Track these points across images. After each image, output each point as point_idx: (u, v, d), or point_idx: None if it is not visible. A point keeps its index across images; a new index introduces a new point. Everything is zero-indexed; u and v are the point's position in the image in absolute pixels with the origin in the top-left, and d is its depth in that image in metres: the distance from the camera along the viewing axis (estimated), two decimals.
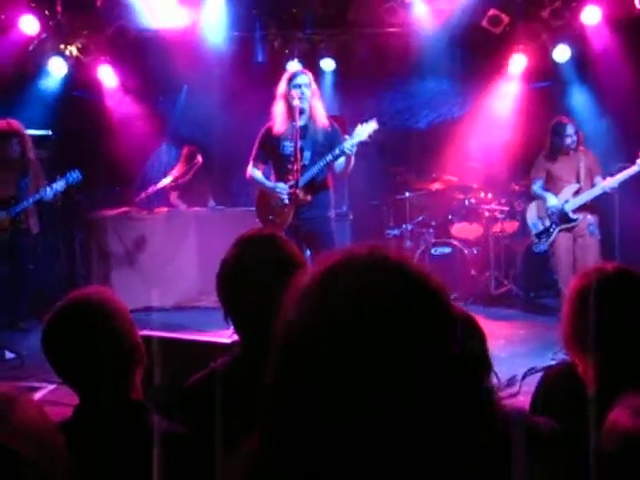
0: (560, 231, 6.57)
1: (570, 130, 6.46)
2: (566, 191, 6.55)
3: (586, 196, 6.47)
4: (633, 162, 6.37)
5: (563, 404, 2.03)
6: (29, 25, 7.58)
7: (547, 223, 6.67)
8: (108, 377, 1.86)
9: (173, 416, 1.98)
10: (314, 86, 5.38)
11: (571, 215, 6.50)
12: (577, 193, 6.51)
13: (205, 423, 1.77)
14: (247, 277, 2.02)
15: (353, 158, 5.28)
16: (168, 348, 2.95)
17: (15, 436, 1.10)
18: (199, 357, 2.58)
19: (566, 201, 6.53)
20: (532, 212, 6.88)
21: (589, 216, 6.51)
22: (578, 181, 6.51)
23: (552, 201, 6.58)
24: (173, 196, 8.48)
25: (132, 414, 1.89)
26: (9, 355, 5.60)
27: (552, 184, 6.66)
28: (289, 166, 5.24)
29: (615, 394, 1.82)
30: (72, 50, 8.16)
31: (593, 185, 6.49)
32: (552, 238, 6.62)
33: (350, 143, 5.14)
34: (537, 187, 6.76)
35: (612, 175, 6.41)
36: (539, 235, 6.75)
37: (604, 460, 1.56)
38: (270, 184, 5.47)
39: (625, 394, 1.67)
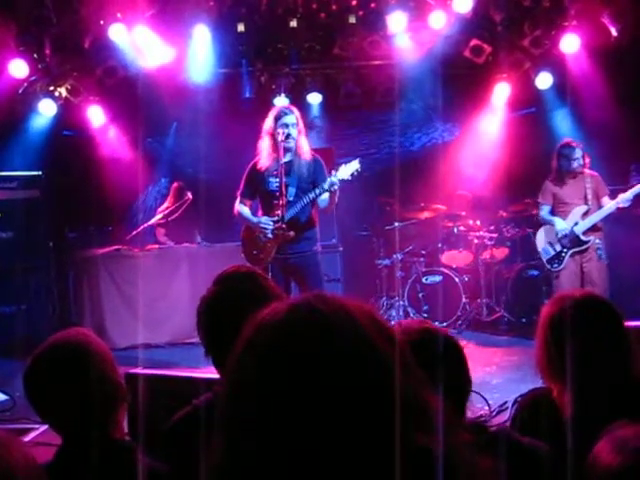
0: (572, 255, 6.57)
1: (578, 153, 6.47)
2: (574, 213, 6.52)
3: (595, 217, 6.44)
4: (620, 182, 6.43)
5: (539, 429, 2.06)
6: (18, 69, 7.67)
7: (558, 248, 6.62)
8: (90, 418, 1.87)
9: (157, 454, 2.00)
10: (301, 124, 5.43)
11: (582, 237, 6.48)
12: (586, 215, 6.49)
13: (187, 461, 1.79)
14: (225, 314, 2.06)
15: (337, 196, 5.30)
16: (155, 385, 2.97)
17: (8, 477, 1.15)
18: (187, 393, 2.60)
19: (575, 223, 6.48)
20: (541, 238, 6.80)
21: (597, 240, 6.50)
22: (586, 203, 6.50)
23: (561, 225, 6.56)
24: (160, 233, 8.51)
25: (115, 453, 1.90)
26: (1, 397, 5.57)
27: (560, 208, 6.64)
28: (275, 201, 5.28)
29: (590, 418, 1.86)
30: (61, 91, 8.26)
31: (600, 206, 6.49)
32: (565, 262, 6.60)
33: (329, 181, 5.19)
34: (545, 213, 6.72)
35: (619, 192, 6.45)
36: (550, 261, 6.69)
37: None
38: (255, 219, 5.50)
39: (614, 423, 1.68)
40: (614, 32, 7.43)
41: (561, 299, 2.11)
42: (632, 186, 6.41)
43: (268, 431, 0.86)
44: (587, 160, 6.56)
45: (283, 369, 0.87)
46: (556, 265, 6.64)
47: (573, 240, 6.53)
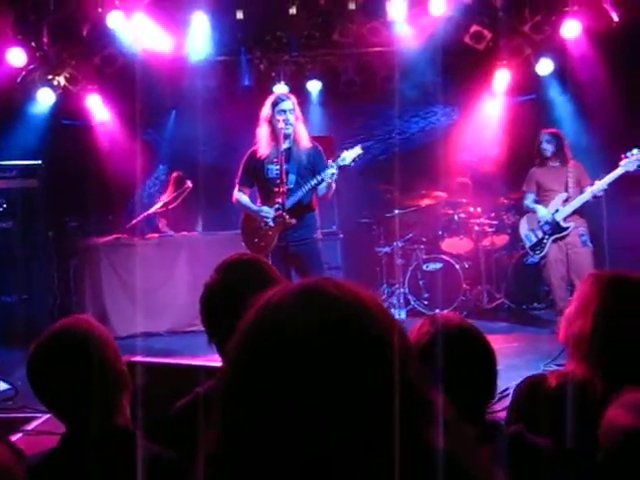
0: (553, 241, 6.65)
1: (544, 137, 6.69)
2: (555, 201, 6.67)
3: (576, 203, 6.57)
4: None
5: (536, 416, 2.05)
6: (16, 57, 7.63)
7: (539, 235, 6.76)
8: (93, 405, 1.86)
9: (158, 441, 1.99)
10: (298, 110, 5.43)
11: (562, 224, 6.60)
12: (566, 202, 6.62)
13: (191, 448, 1.79)
14: (228, 301, 2.05)
15: (334, 184, 5.32)
16: (155, 373, 2.97)
17: None
18: (188, 381, 2.60)
19: (556, 210, 6.63)
20: (524, 225, 6.97)
21: (580, 227, 6.60)
22: (566, 190, 6.63)
23: (542, 212, 6.70)
24: (162, 223, 8.49)
25: (118, 440, 1.89)
26: (3, 386, 5.58)
27: (543, 196, 6.79)
28: (275, 189, 5.27)
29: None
30: (60, 80, 8.24)
31: (582, 194, 6.61)
32: (546, 249, 6.70)
33: (330, 172, 5.20)
34: (529, 201, 6.89)
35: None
36: (533, 247, 6.84)
37: (603, 460, 1.57)
38: (255, 207, 5.50)
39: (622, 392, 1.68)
40: (615, 17, 7.38)
41: (614, 280, 2.06)
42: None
43: (271, 412, 0.85)
44: (567, 150, 6.69)
45: (293, 351, 0.86)
46: (538, 251, 6.79)
47: (554, 227, 6.65)
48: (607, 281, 2.07)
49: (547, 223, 6.67)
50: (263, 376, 0.87)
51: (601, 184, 6.43)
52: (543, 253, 6.74)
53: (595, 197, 6.50)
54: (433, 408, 0.90)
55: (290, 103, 5.37)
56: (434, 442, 0.87)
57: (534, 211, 6.81)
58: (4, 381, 5.61)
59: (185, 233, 8.40)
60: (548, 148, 6.68)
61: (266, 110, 5.40)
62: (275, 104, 5.36)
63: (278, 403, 0.85)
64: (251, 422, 0.86)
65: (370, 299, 0.93)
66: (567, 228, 6.59)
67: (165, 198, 8.32)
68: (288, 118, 5.30)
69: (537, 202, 6.84)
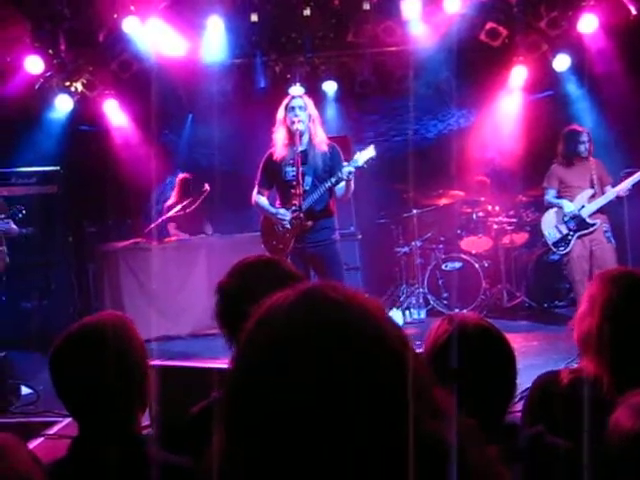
0: (578, 238, 6.57)
1: (584, 137, 6.53)
2: (581, 197, 6.56)
3: (602, 201, 6.50)
4: (638, 166, 6.40)
5: (551, 412, 2.04)
6: (34, 65, 7.69)
7: (564, 231, 6.65)
8: (112, 408, 1.82)
9: (176, 446, 1.98)
10: (313, 110, 5.42)
11: (588, 220, 6.51)
12: (592, 198, 6.53)
13: (206, 454, 1.76)
14: (245, 302, 2.03)
15: (352, 184, 5.30)
16: (175, 376, 2.98)
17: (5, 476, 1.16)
18: (206, 384, 2.60)
19: (582, 206, 6.53)
20: (547, 221, 6.81)
21: (604, 224, 6.53)
22: (592, 187, 6.54)
23: (569, 207, 6.58)
24: (171, 227, 8.49)
25: (134, 447, 1.84)
26: (25, 390, 5.62)
27: (566, 192, 6.66)
28: (292, 191, 5.28)
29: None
30: (77, 86, 8.30)
31: (604, 192, 6.54)
32: (571, 246, 6.60)
33: (347, 170, 5.18)
34: (550, 196, 6.76)
35: (621, 181, 6.46)
36: (556, 244, 6.72)
37: (608, 461, 1.56)
38: (272, 210, 5.51)
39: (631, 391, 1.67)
40: (633, 11, 7.29)
41: (619, 277, 2.07)
42: (631, 174, 6.40)
43: (273, 414, 0.86)
44: (591, 147, 6.60)
45: (292, 353, 0.87)
46: (562, 248, 6.68)
47: (580, 223, 6.56)
48: (612, 278, 2.09)
49: (572, 219, 6.57)
50: (264, 377, 0.88)
51: (628, 182, 6.35)
52: (567, 250, 6.63)
53: (618, 197, 6.44)
54: (439, 411, 0.90)
55: (300, 101, 5.39)
56: (440, 443, 0.86)
57: (559, 206, 6.67)
58: (26, 385, 5.66)
59: (203, 236, 8.42)
60: (587, 147, 6.56)
61: (280, 112, 5.42)
62: (287, 104, 5.38)
63: (279, 405, 0.86)
64: (254, 424, 0.87)
65: (370, 303, 0.94)
66: (593, 225, 6.49)
67: (174, 203, 8.31)
68: (298, 114, 5.30)
69: (559, 198, 6.75)
